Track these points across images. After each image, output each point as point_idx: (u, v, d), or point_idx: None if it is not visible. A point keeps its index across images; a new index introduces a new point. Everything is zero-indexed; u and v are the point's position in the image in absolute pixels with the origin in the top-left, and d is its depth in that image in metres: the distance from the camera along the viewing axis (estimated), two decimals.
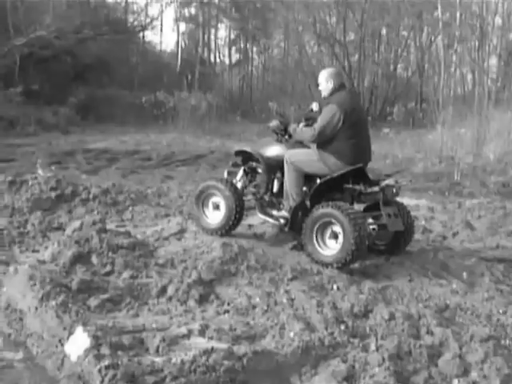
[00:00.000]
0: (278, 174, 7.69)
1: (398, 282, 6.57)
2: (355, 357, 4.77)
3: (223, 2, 47.15)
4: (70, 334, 4.87)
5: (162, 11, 46.60)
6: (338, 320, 5.34)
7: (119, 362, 4.31)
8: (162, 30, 50.69)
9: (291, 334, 5.00)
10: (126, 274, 6.24)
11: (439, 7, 26.39)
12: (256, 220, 8.26)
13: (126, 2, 44.56)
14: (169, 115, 28.99)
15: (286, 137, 7.69)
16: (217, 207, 7.70)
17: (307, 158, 7.27)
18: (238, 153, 8.24)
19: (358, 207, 7.32)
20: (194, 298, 5.78)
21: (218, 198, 7.65)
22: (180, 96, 30.44)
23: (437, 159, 18.50)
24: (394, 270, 6.98)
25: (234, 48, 49.73)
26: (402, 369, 4.65)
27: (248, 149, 8.07)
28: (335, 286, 6.21)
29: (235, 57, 49.44)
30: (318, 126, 7.09)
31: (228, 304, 5.74)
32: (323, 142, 7.10)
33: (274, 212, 7.62)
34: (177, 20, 46.56)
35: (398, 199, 7.49)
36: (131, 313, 5.52)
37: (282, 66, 43.36)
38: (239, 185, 7.89)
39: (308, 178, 7.34)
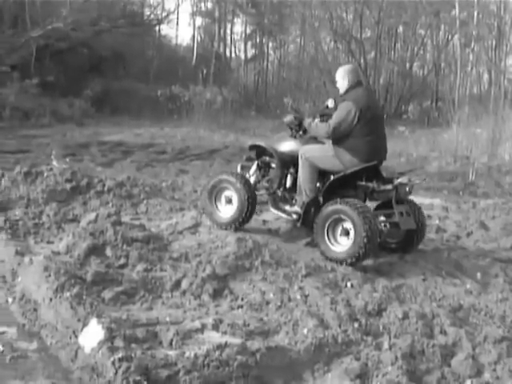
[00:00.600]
0: (292, 170, 7.72)
1: (411, 280, 6.57)
2: (368, 355, 4.78)
3: None
4: (84, 325, 4.90)
5: (178, 5, 46.75)
6: (351, 317, 5.35)
7: (133, 355, 4.34)
8: (178, 23, 50.47)
9: (305, 331, 5.01)
10: (140, 267, 6.26)
11: (457, 6, 26.34)
12: (270, 215, 8.26)
13: None
14: (184, 109, 29.00)
15: (301, 132, 7.71)
16: (229, 201, 7.71)
17: (322, 153, 7.31)
18: (252, 147, 8.28)
19: (371, 205, 7.32)
20: (207, 292, 5.80)
21: (230, 192, 7.67)
22: (195, 90, 30.45)
23: (452, 158, 18.43)
24: (408, 269, 6.97)
25: (249, 43, 49.61)
26: (414, 368, 4.67)
27: (262, 143, 8.11)
28: (349, 284, 6.22)
29: (251, 52, 49.34)
30: (332, 121, 7.15)
31: (242, 299, 5.76)
32: (338, 138, 7.12)
33: (287, 207, 7.64)
34: (193, 14, 46.61)
35: (412, 198, 7.48)
36: (145, 306, 5.55)
37: (298, 62, 43.20)
38: (252, 179, 7.92)
39: (321, 174, 7.36)
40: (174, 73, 37.82)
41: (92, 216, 7.74)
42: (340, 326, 5.15)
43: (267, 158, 8.03)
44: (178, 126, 24.75)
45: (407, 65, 37.88)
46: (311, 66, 38.09)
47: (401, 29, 39.34)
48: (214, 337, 4.84)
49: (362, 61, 34.67)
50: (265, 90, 43.54)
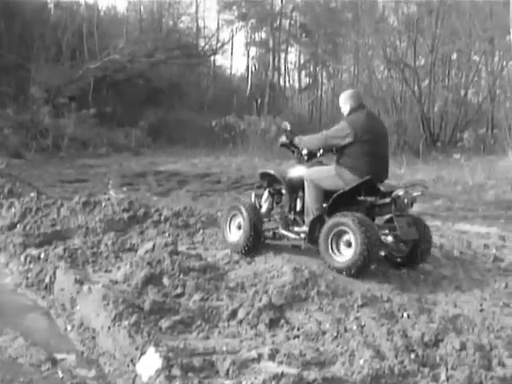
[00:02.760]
0: (301, 193, 8.00)
1: (468, 311, 6.45)
2: None
3: (293, 27, 47.48)
4: (142, 354, 4.96)
5: (232, 36, 47.25)
6: (408, 348, 5.27)
7: None
8: (232, 54, 51.06)
9: (361, 362, 4.97)
10: (196, 297, 6.32)
11: (511, 32, 26.04)
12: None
13: (198, 26, 45.30)
14: (238, 138, 29.17)
15: (305, 157, 8.20)
16: (239, 227, 8.03)
17: (325, 174, 7.66)
18: (263, 175, 8.64)
19: (379, 221, 7.61)
20: (264, 322, 5.79)
21: (240, 219, 8.02)
22: (250, 120, 30.62)
23: (509, 187, 18.13)
24: (465, 299, 6.87)
25: (303, 72, 49.98)
26: None
27: (271, 171, 8.47)
28: (405, 314, 6.14)
29: (305, 81, 49.68)
30: (326, 132, 7.77)
31: (298, 329, 5.73)
32: (340, 158, 7.59)
33: (296, 228, 7.91)
34: (247, 44, 47.13)
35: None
36: (202, 335, 5.57)
37: None
38: (265, 206, 8.34)
39: (327, 195, 7.60)
40: (229, 103, 38.19)
41: (149, 245, 7.85)
42: (396, 357, 5.09)
43: (277, 185, 8.35)
44: (233, 155, 24.91)
45: (462, 92, 37.47)
46: (365, 94, 37.94)
47: (455, 56, 39.03)
48: (271, 367, 4.84)
49: (416, 88, 34.40)
50: (319, 118, 43.60)
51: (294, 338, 5.57)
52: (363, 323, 5.82)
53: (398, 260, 7.66)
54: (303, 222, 7.83)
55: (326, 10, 45.15)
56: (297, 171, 8.06)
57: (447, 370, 4.99)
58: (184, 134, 31.01)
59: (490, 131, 32.92)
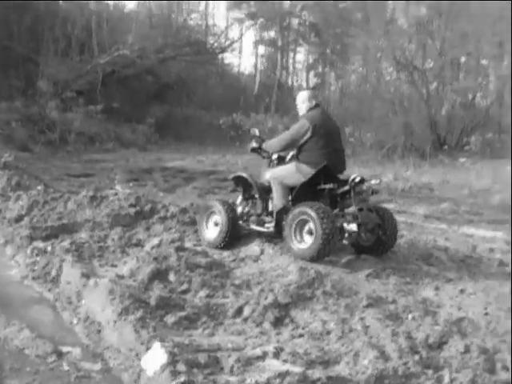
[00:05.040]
0: (271, 195, 8.37)
1: (473, 314, 6.46)
2: None
3: (303, 26, 47.45)
4: (147, 348, 4.98)
5: (241, 34, 47.23)
6: (412, 350, 5.28)
7: (195, 380, 4.39)
8: (240, 52, 51.05)
9: (365, 362, 4.98)
10: (202, 293, 6.36)
11: None
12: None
13: (207, 24, 45.32)
14: (245, 137, 29.13)
15: (274, 160, 8.67)
16: (216, 224, 8.42)
17: (287, 171, 8.20)
18: (236, 178, 8.99)
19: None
20: (269, 320, 5.82)
21: (217, 217, 8.41)
22: (257, 118, 30.63)
23: None
24: (470, 302, 6.87)
25: (311, 72, 49.90)
26: None
27: (244, 175, 8.81)
28: (410, 316, 6.15)
29: (313, 81, 49.57)
30: (286, 133, 8.44)
31: (303, 328, 5.75)
32: (299, 154, 8.12)
33: (267, 224, 8.30)
34: (256, 43, 47.11)
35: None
36: (207, 332, 5.60)
37: (360, 92, 43.05)
38: (239, 208, 8.66)
39: (293, 192, 8.09)
40: (236, 101, 38.14)
41: (156, 241, 7.90)
42: (401, 358, 5.09)
43: (251, 190, 8.71)
44: (240, 154, 24.86)
45: (470, 95, 37.25)
46: (373, 96, 37.82)
47: (464, 59, 38.84)
48: (275, 365, 4.85)
49: (424, 91, 34.26)
50: None
51: (299, 336, 5.59)
52: (368, 324, 5.82)
53: (365, 247, 8.02)
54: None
55: (336, 9, 45.09)
56: (267, 175, 8.46)
57: (451, 372, 5.00)
58: (191, 131, 31.02)
59: (497, 135, 32.79)
